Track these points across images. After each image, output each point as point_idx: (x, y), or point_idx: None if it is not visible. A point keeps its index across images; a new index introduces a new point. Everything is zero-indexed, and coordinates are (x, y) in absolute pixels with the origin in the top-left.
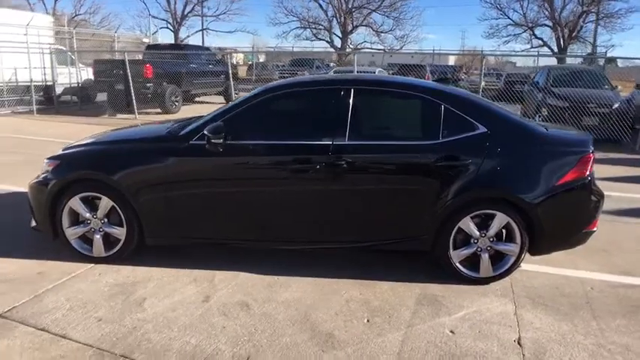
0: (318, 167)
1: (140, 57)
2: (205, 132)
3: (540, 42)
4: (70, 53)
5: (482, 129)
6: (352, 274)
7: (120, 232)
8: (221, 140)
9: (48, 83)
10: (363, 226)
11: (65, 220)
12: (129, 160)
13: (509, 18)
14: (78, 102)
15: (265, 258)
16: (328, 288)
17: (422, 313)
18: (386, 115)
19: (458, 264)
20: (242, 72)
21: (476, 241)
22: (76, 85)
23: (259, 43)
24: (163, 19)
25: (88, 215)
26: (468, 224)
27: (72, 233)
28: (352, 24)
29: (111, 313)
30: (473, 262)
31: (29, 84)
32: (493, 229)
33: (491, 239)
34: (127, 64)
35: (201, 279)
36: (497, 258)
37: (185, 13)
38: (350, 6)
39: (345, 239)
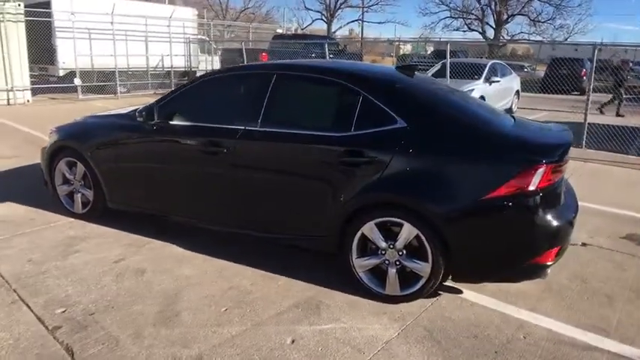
0: (225, 151)
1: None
2: (137, 112)
3: None
4: (212, 42)
5: (400, 123)
6: (267, 266)
7: (90, 194)
8: (141, 119)
9: (187, 69)
10: (266, 217)
11: (57, 179)
12: (94, 133)
13: None
14: None
15: (204, 236)
16: (229, 273)
17: (286, 316)
18: (303, 103)
19: (362, 274)
20: (387, 64)
21: (383, 252)
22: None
23: (407, 34)
24: (318, 11)
25: (70, 177)
26: (372, 231)
27: (61, 190)
28: (507, 13)
29: (42, 257)
30: (382, 276)
31: (170, 69)
32: (400, 241)
33: (400, 253)
34: (245, 52)
35: (135, 244)
36: (412, 277)
37: (338, 4)
38: None
39: (249, 228)
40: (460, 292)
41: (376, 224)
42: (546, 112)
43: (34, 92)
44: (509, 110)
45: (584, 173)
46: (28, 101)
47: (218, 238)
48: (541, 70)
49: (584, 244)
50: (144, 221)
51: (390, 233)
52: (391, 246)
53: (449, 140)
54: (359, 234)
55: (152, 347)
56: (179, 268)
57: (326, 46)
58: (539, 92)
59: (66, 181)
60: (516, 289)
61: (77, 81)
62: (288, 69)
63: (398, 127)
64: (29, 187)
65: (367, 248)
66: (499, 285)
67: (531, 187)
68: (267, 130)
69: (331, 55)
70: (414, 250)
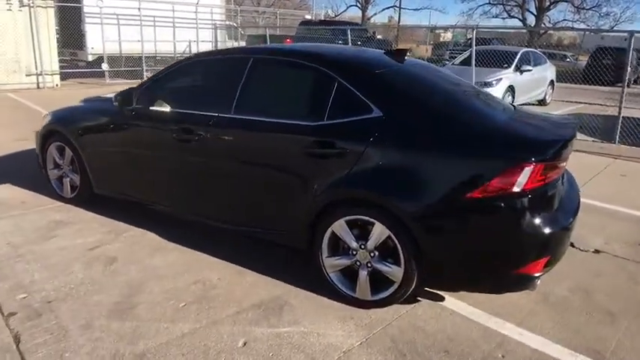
0: (197, 139)
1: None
2: (114, 96)
3: None
4: (239, 28)
5: (376, 113)
6: (241, 259)
7: (77, 179)
8: (117, 104)
9: None
10: (236, 209)
11: (49, 163)
12: (80, 117)
13: None
14: None
15: (188, 226)
16: (200, 265)
17: (245, 315)
18: (277, 89)
19: (332, 275)
20: (422, 51)
21: (354, 252)
22: None
23: (444, 21)
24: None
25: (60, 161)
26: (342, 229)
27: (52, 174)
28: None
29: (21, 241)
30: (354, 278)
31: None
32: (371, 242)
33: (372, 254)
34: (268, 38)
35: (115, 231)
36: (384, 281)
37: None
38: None
39: (220, 220)
40: (442, 299)
41: (347, 222)
42: (581, 105)
43: (65, 77)
44: (541, 101)
45: (613, 171)
46: (57, 85)
47: (202, 229)
48: (584, 60)
49: (596, 251)
50: (130, 208)
51: (364, 232)
52: (362, 246)
53: (427, 133)
54: (329, 231)
55: (98, 341)
56: (151, 259)
57: (348, 32)
58: (581, 83)
59: (56, 166)
60: (507, 300)
61: (104, 66)
62: (266, 53)
63: (373, 117)
64: (32, 169)
65: (339, 247)
66: (488, 294)
67: (516, 189)
68: (239, 117)
69: (359, 42)
70: (386, 253)
